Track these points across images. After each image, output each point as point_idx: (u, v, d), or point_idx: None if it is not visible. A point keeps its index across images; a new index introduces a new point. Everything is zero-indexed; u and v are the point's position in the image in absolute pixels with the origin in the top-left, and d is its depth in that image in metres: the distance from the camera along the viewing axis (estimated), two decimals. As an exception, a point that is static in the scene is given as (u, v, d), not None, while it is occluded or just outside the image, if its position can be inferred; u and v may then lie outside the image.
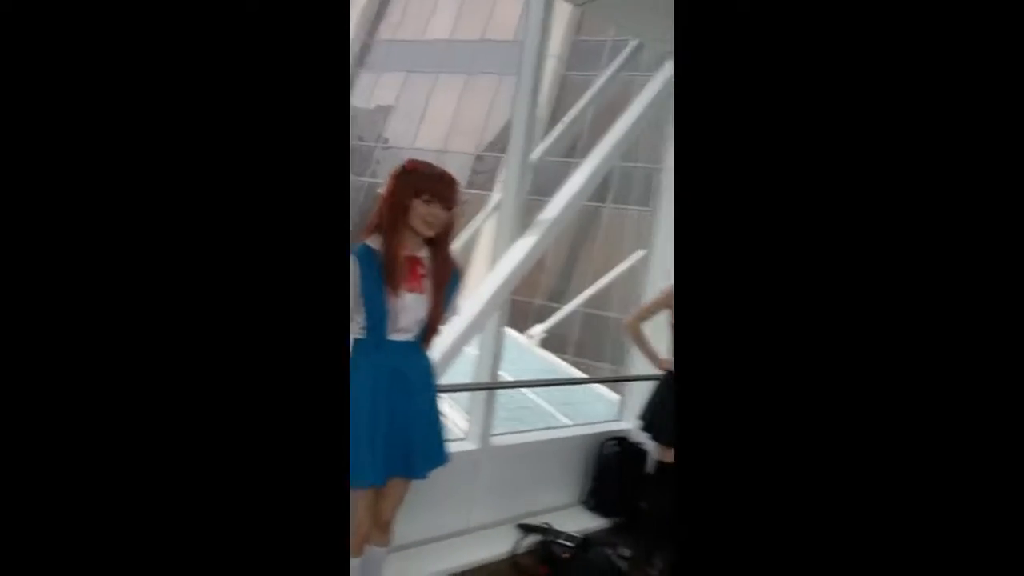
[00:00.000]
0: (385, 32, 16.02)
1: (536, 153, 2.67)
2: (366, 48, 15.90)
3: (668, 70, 2.78)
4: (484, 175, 12.89)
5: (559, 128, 3.18)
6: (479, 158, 13.87)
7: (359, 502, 1.58)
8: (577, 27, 13.51)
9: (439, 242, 1.57)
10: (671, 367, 2.41)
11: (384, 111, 15.54)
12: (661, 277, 3.16)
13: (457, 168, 12.61)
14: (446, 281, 1.58)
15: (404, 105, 15.12)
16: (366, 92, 15.36)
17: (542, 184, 2.93)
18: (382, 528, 1.69)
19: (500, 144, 12.70)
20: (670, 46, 2.70)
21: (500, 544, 2.38)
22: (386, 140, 15.43)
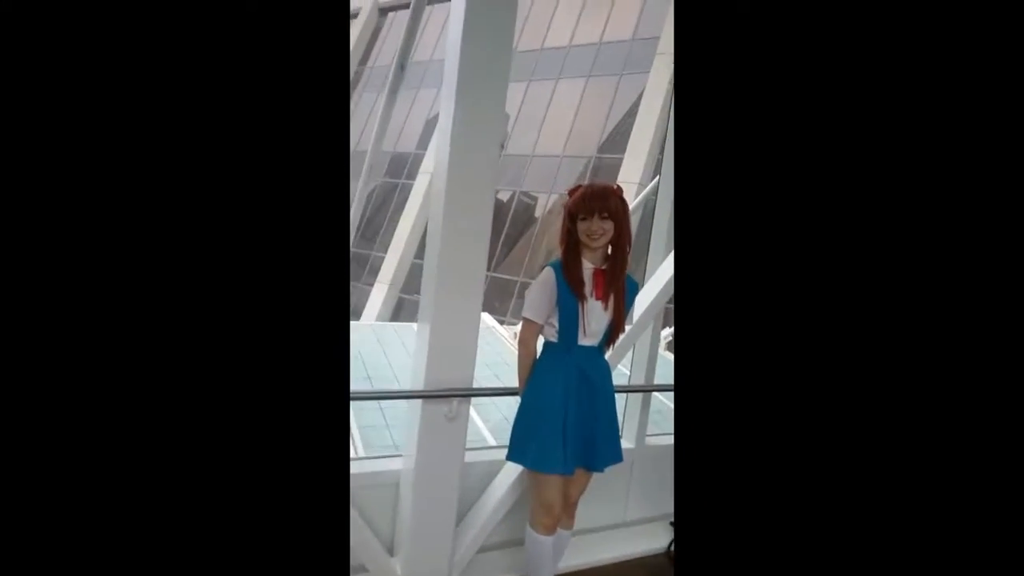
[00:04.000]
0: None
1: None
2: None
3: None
4: (603, 173, 12.91)
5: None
6: (594, 159, 13.91)
7: (552, 488, 1.77)
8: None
9: (614, 253, 1.73)
10: None
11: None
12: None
13: (573, 172, 12.73)
14: (622, 290, 1.73)
15: (524, 114, 15.41)
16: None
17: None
18: (568, 512, 1.89)
19: (613, 145, 12.66)
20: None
21: (656, 539, 2.51)
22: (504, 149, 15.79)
